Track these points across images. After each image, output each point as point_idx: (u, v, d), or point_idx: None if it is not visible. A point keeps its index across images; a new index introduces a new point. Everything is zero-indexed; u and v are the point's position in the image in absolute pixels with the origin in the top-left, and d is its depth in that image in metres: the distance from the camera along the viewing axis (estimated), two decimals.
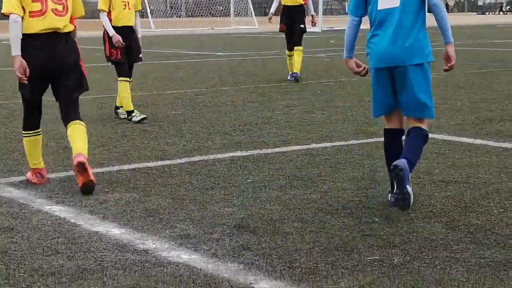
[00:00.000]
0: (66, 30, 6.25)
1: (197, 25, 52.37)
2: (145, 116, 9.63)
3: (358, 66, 5.57)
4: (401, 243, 4.59)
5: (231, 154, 7.46)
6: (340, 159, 7.10)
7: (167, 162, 7.14)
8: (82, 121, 6.32)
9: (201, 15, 59.06)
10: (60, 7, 6.20)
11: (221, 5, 60.99)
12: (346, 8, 6.06)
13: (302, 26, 14.72)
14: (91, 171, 5.88)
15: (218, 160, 7.16)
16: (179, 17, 69.53)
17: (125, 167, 6.93)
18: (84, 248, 4.59)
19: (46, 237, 4.81)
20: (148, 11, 52.44)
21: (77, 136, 6.15)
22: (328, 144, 7.90)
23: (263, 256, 4.38)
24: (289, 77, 14.59)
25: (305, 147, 7.79)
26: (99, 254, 4.45)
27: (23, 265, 4.29)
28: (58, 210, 5.44)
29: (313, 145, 7.86)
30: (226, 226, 5.00)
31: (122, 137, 8.45)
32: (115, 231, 4.94)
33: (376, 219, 5.11)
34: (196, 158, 7.27)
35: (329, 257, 4.36)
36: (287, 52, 14.65)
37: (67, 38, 6.30)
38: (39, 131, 6.44)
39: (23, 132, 6.43)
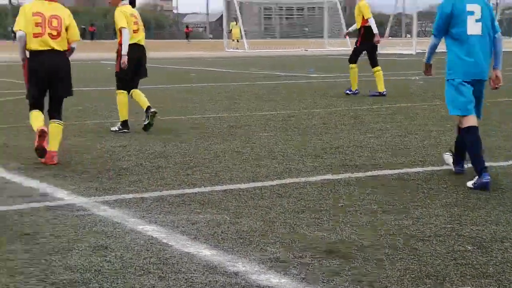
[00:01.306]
0: (59, 49, 8.42)
1: (291, 46, 52.53)
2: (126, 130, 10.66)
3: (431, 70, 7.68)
4: (495, 273, 4.48)
5: (322, 177, 7.43)
6: (433, 185, 6.99)
7: (259, 184, 7.15)
8: (61, 121, 8.53)
9: (295, 36, 59.27)
10: (54, 32, 8.36)
11: (315, 26, 61.06)
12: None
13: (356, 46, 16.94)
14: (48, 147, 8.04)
15: (309, 183, 7.14)
16: (273, 38, 69.98)
17: (217, 188, 6.97)
18: (175, 268, 4.62)
19: (139, 257, 4.86)
20: (243, 32, 52.97)
21: (54, 135, 8.32)
22: (420, 169, 7.80)
23: (353, 282, 4.34)
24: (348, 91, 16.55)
25: (397, 171, 7.70)
26: (190, 275, 4.48)
27: (115, 284, 4.35)
28: (151, 230, 5.50)
29: (406, 170, 7.76)
30: (316, 250, 4.97)
31: (214, 158, 8.50)
32: (205, 252, 4.96)
33: (469, 247, 5.01)
34: (287, 181, 7.26)
35: (420, 285, 4.29)
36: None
37: (60, 55, 8.46)
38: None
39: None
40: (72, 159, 8.49)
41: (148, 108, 10.72)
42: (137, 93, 10.97)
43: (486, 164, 6.87)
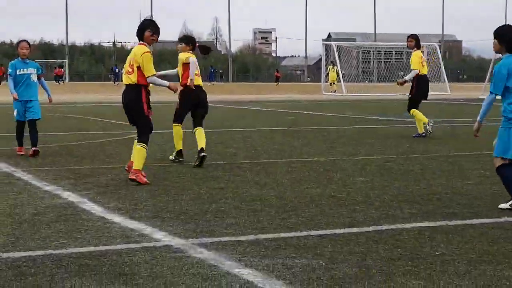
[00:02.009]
0: (130, 83, 10.02)
1: (388, 90, 52.24)
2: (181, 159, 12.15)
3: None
4: None
5: (419, 224, 7.34)
6: None
7: (354, 229, 7.10)
8: (140, 142, 10.01)
9: (393, 80, 58.97)
10: (130, 69, 10.02)
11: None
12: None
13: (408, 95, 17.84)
14: None
15: (406, 230, 7.05)
16: (371, 82, 69.80)
17: (313, 233, 6.95)
18: None
19: None
20: (340, 76, 52.99)
21: (135, 153, 10.02)
22: None
23: None
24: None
25: (497, 220, 7.55)
26: None
27: None
28: (246, 274, 5.51)
29: (505, 219, 7.60)
30: None
31: (310, 202, 8.49)
32: None
33: None
34: (384, 227, 7.19)
35: None
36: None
37: (132, 88, 10.03)
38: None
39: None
40: (170, 200, 8.60)
41: (201, 150, 11.62)
42: (199, 131, 12.02)
43: None
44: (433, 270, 5.61)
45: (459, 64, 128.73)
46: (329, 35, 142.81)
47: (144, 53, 9.99)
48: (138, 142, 10.07)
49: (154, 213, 7.85)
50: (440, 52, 57.52)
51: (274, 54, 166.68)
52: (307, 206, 8.29)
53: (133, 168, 9.87)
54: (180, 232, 6.94)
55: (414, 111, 17.40)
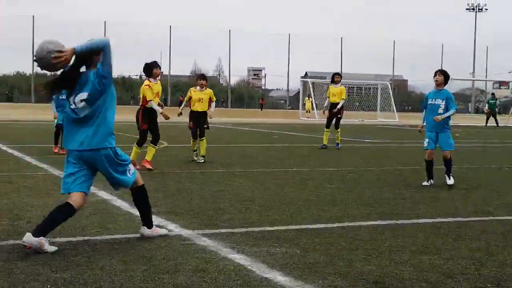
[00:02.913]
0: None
1: (351, 117, 52.30)
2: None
3: None
4: None
5: (373, 222, 7.33)
6: (461, 233, 6.82)
7: (323, 225, 7.08)
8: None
9: (354, 109, 59.08)
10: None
11: (369, 101, 60.78)
12: None
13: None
14: None
15: (363, 226, 7.04)
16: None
17: (291, 227, 6.93)
18: None
19: (229, 279, 4.86)
20: (314, 105, 52.97)
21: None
22: (451, 219, 7.61)
23: None
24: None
25: (432, 220, 7.54)
26: None
27: None
28: (239, 258, 5.50)
29: (439, 219, 7.60)
30: (366, 281, 4.89)
31: (289, 203, 8.46)
32: (280, 278, 4.93)
33: (489, 285, 4.86)
34: (345, 224, 7.18)
35: None
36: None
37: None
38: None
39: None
40: (181, 200, 8.57)
41: (203, 156, 13.53)
42: (203, 142, 13.71)
43: None
44: (383, 259, 5.61)
45: (405, 98, 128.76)
46: (306, 73, 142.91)
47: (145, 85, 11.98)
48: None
49: (168, 209, 7.83)
50: (391, 88, 57.51)
51: (263, 87, 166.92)
52: (287, 206, 8.28)
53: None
54: (188, 224, 6.92)
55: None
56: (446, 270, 5.25)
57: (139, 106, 12.26)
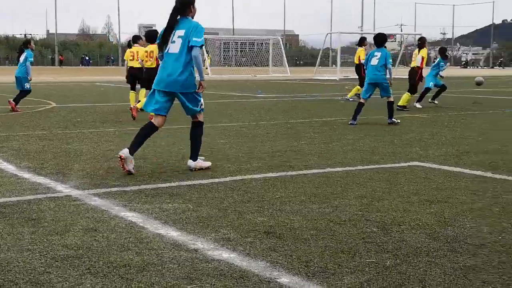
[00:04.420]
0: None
1: (243, 72, 52.57)
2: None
3: None
4: (393, 249, 4.53)
5: (265, 175, 7.44)
6: (349, 181, 7.05)
7: (216, 180, 7.13)
8: None
9: (247, 65, 59.35)
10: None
11: (262, 57, 61.22)
12: None
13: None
14: None
15: (254, 179, 7.14)
16: (230, 66, 69.94)
17: (183, 183, 6.93)
18: (149, 246, 4.59)
19: (121, 237, 4.82)
20: (207, 62, 52.81)
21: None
22: (340, 169, 7.85)
23: (285, 256, 4.35)
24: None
25: (322, 170, 7.74)
26: (160, 252, 4.46)
27: (102, 258, 4.30)
28: (131, 216, 5.46)
29: (329, 169, 7.81)
30: (258, 232, 4.97)
31: (182, 160, 8.45)
32: (173, 233, 4.94)
33: (374, 229, 5.06)
34: (238, 178, 7.26)
35: (336, 258, 4.32)
36: None
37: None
38: None
39: None
40: (71, 160, 8.38)
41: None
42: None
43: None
44: (274, 209, 5.71)
45: (297, 53, 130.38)
46: None
47: None
48: None
49: (57, 170, 7.64)
50: (283, 43, 58.12)
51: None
52: (179, 162, 8.27)
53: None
54: (78, 185, 6.78)
55: None
56: (335, 217, 5.42)
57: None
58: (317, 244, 4.64)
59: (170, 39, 7.43)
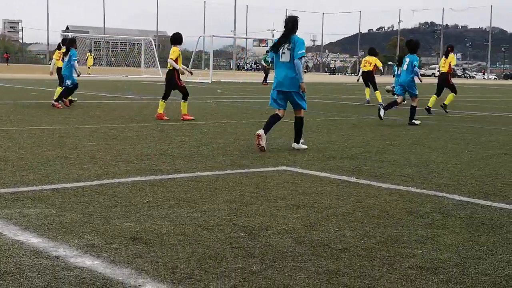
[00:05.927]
0: None
1: (114, 72, 51.62)
2: None
3: None
4: (259, 254, 4.57)
5: (133, 178, 7.31)
6: (218, 185, 7.06)
7: (81, 183, 6.92)
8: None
9: (118, 65, 58.37)
10: None
11: (134, 58, 60.47)
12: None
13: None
14: None
15: (122, 183, 6.99)
16: (101, 65, 68.49)
17: (46, 187, 6.67)
18: (7, 254, 4.37)
19: None
20: (89, 61, 51.47)
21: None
22: (209, 173, 7.85)
23: (151, 263, 4.28)
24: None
25: (191, 174, 7.71)
26: (19, 259, 4.25)
27: None
28: None
29: (198, 173, 7.79)
30: (124, 237, 4.86)
31: (46, 162, 8.16)
32: (33, 240, 4.73)
33: (242, 234, 5.09)
34: (105, 181, 7.08)
35: (203, 264, 4.30)
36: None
37: None
38: None
39: None
40: None
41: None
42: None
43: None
44: (142, 214, 5.61)
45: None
46: (67, 27, 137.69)
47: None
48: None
49: None
50: (155, 45, 57.59)
51: (21, 41, 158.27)
52: (43, 165, 7.96)
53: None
54: None
55: None
56: (203, 222, 5.40)
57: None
58: (184, 250, 4.59)
59: (281, 50, 9.82)
